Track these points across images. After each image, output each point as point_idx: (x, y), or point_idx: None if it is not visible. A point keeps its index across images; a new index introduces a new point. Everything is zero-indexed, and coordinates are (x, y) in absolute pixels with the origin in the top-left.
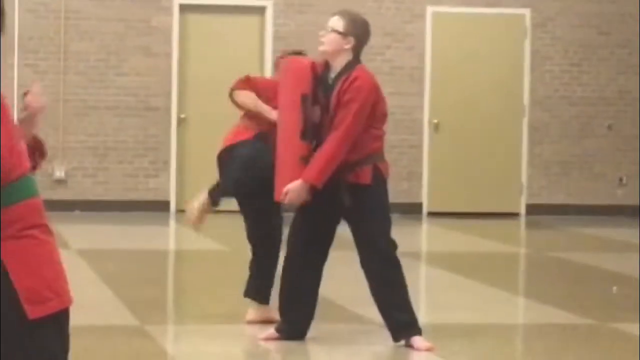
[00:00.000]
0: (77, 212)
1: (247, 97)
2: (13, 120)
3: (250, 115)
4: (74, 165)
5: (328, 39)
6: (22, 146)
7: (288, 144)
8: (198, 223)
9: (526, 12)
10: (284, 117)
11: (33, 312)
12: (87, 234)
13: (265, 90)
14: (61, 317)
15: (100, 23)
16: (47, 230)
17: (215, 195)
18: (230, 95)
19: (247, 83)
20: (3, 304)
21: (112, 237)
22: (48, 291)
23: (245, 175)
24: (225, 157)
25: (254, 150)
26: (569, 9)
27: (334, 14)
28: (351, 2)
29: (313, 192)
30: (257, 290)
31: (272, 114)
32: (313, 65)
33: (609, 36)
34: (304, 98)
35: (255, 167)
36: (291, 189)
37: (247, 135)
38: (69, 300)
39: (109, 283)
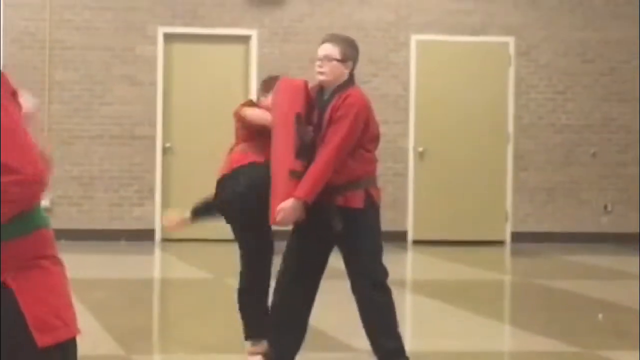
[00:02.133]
0: (62, 242)
1: (262, 113)
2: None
3: (251, 142)
4: (59, 194)
5: (329, 69)
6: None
7: (281, 164)
8: (174, 230)
9: (510, 40)
10: (277, 136)
11: (42, 340)
12: (72, 263)
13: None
14: (68, 346)
15: (84, 52)
16: (57, 261)
17: (198, 211)
18: (240, 114)
19: (253, 104)
20: (13, 331)
21: (98, 267)
22: (57, 320)
23: (251, 192)
24: (228, 179)
25: (263, 171)
26: (553, 37)
27: (324, 42)
28: (335, 30)
29: (307, 213)
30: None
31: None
32: (306, 85)
33: (593, 64)
34: (297, 117)
35: (262, 187)
36: (284, 207)
37: (254, 158)
38: (77, 330)
39: (94, 312)
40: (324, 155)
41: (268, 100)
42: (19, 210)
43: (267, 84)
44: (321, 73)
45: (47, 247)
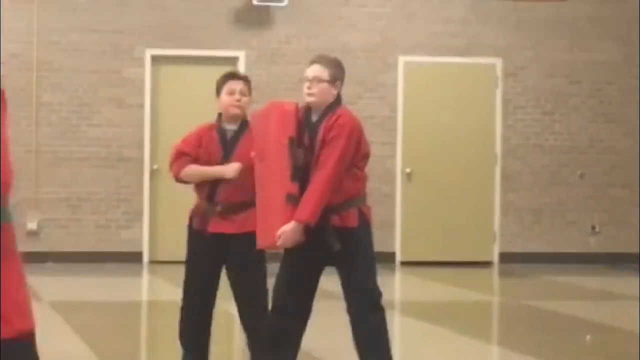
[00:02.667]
0: (49, 264)
1: (193, 171)
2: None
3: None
4: (47, 216)
5: (318, 90)
6: None
7: (277, 188)
8: None
9: (497, 61)
10: (271, 161)
11: (5, 331)
12: (60, 285)
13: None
14: (25, 340)
15: (72, 74)
16: (20, 256)
17: None
18: (176, 176)
19: (183, 155)
20: None
21: (85, 289)
22: (15, 313)
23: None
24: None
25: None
26: (540, 58)
27: (313, 62)
28: (323, 52)
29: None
30: None
31: (218, 171)
32: (297, 108)
33: (581, 85)
34: (291, 141)
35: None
36: (285, 231)
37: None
38: (34, 323)
39: (82, 335)
40: (321, 176)
41: (221, 100)
42: None
43: (218, 85)
44: (310, 94)
45: (14, 240)
